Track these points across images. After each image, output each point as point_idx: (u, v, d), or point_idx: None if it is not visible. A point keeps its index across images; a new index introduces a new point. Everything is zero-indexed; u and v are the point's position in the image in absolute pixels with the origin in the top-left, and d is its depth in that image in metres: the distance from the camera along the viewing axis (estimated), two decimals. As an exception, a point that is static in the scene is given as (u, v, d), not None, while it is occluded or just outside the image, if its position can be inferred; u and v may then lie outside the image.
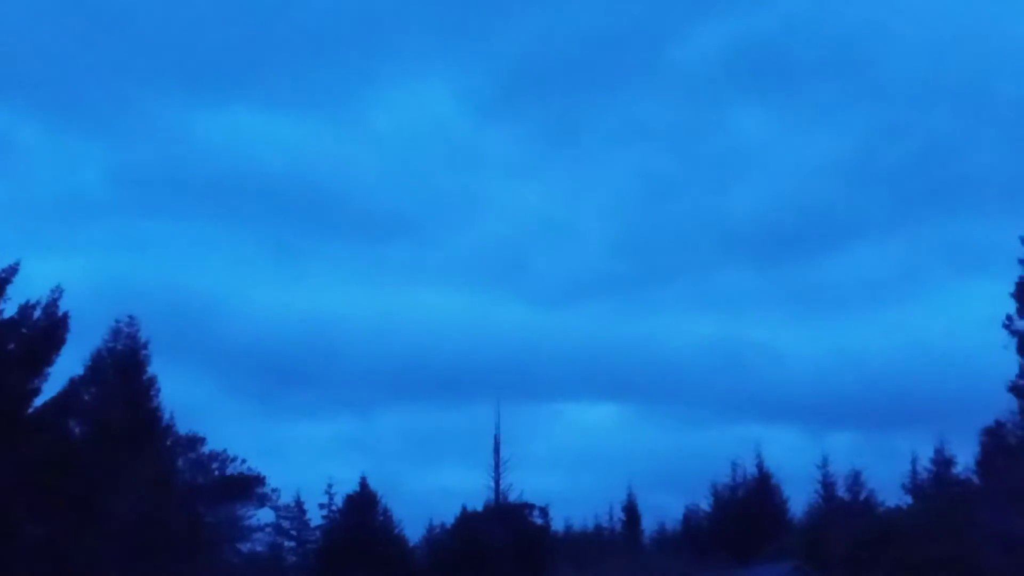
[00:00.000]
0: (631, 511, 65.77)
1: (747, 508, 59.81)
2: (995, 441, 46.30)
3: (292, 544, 65.61)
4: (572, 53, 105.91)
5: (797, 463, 73.90)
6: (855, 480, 57.90)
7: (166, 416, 44.27)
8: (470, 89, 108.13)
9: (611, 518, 66.68)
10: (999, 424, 46.17)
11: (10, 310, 37.48)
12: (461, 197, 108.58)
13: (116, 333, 43.40)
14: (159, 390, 43.66)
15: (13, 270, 37.49)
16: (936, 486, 52.10)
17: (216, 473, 51.23)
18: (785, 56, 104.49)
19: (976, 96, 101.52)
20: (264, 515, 58.61)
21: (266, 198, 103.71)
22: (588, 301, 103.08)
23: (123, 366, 42.84)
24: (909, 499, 54.03)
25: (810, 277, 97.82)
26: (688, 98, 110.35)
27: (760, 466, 61.50)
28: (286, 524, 64.71)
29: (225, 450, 51.77)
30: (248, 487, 52.98)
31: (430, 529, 66.88)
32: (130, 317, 43.82)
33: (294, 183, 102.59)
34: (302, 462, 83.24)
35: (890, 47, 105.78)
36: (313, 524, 65.36)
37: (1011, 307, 47.06)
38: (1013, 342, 46.45)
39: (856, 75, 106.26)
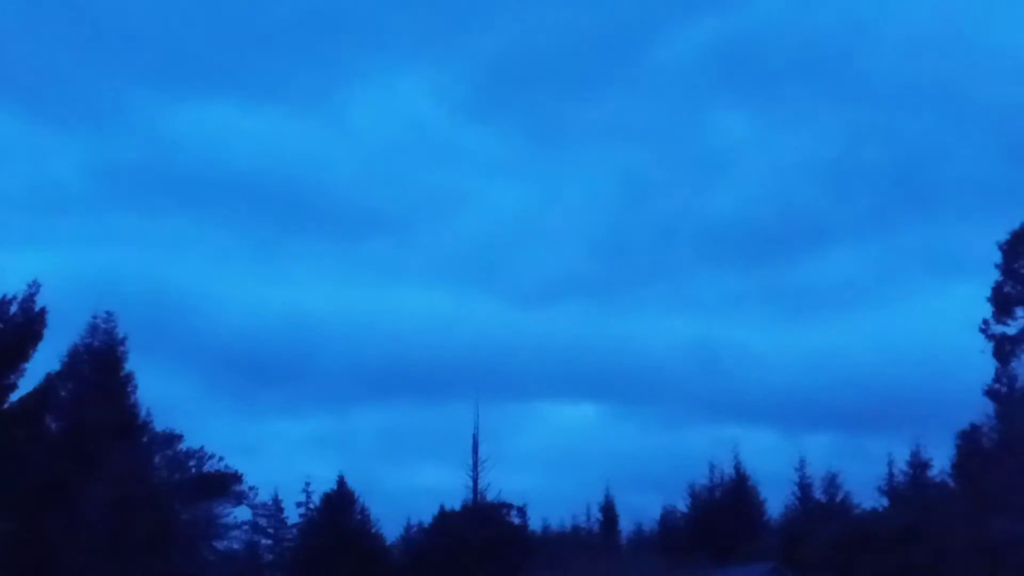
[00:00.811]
0: (608, 511, 65.82)
1: (724, 509, 59.97)
2: (971, 445, 46.58)
3: (269, 542, 65.38)
4: (552, 52, 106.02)
5: (774, 464, 73.97)
6: (831, 482, 58.26)
7: (143, 413, 44.12)
8: (450, 87, 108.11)
9: (588, 518, 66.78)
10: (975, 428, 46.46)
11: (-14, 304, 37.39)
12: (440, 195, 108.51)
13: (93, 329, 43.23)
14: (136, 386, 43.55)
15: (-11, 264, 37.35)
16: (912, 489, 52.35)
17: (193, 471, 50.90)
18: (765, 58, 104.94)
19: (956, 99, 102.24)
20: (241, 513, 58.36)
21: (244, 194, 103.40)
22: (567, 301, 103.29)
23: (100, 362, 42.63)
24: (885, 501, 54.30)
25: (789, 279, 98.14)
26: (668, 99, 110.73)
27: (738, 467, 61.72)
28: (263, 522, 64.47)
29: (202, 447, 51.48)
30: (225, 485, 52.69)
31: (407, 528, 66.83)
32: (108, 313, 43.69)
33: (272, 179, 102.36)
34: (280, 460, 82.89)
35: (870, 49, 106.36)
36: (290, 522, 65.19)
37: (988, 311, 47.46)
38: (990, 346, 46.83)
39: (836, 77, 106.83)
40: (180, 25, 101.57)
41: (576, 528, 67.08)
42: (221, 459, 52.24)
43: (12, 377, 37.82)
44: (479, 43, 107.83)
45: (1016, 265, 47.62)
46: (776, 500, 61.65)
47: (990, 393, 46.07)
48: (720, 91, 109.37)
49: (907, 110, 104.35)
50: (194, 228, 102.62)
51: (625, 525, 67.10)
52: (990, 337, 46.81)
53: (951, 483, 48.91)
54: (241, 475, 53.91)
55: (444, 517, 61.41)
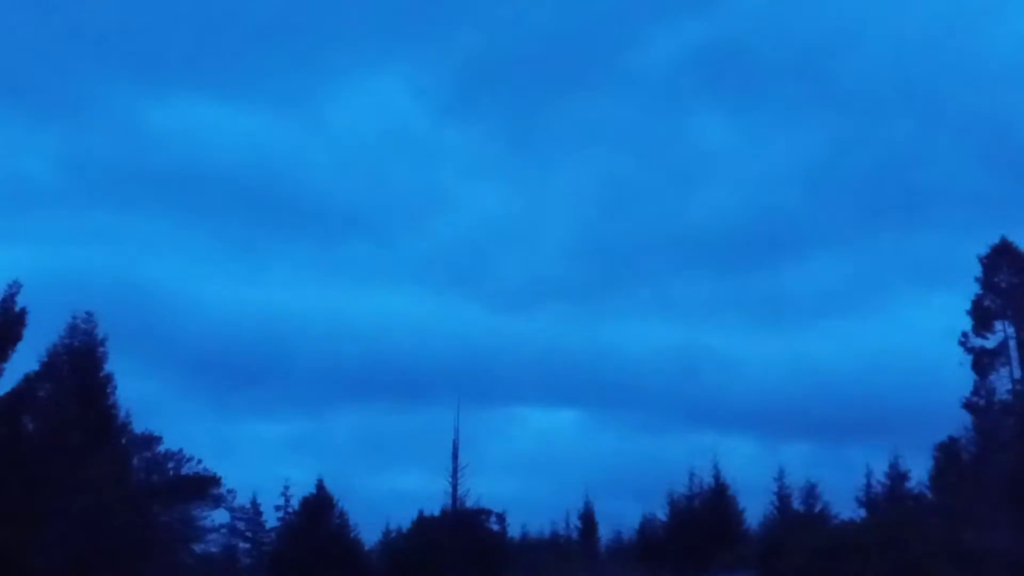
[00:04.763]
0: (587, 519, 65.74)
1: (703, 518, 59.96)
2: (948, 457, 46.82)
3: (247, 546, 65.04)
4: (533, 53, 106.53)
5: (753, 473, 74.02)
6: (810, 492, 58.32)
7: (122, 414, 43.94)
8: (430, 87, 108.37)
9: (567, 525, 66.64)
10: (952, 440, 46.70)
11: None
12: (419, 196, 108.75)
13: (73, 329, 43.00)
14: (115, 387, 43.37)
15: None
16: (890, 500, 52.52)
17: (171, 473, 50.75)
18: (748, 62, 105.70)
19: (939, 107, 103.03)
20: (219, 516, 58.09)
21: (221, 192, 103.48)
22: (546, 305, 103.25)
23: (79, 363, 42.41)
24: (863, 512, 54.43)
25: (769, 286, 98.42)
26: (650, 102, 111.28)
27: (717, 476, 61.70)
28: (241, 525, 64.09)
29: (181, 450, 51.35)
30: (203, 487, 52.50)
31: (386, 533, 66.57)
32: (88, 313, 43.52)
33: (249, 177, 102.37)
34: (258, 462, 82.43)
35: (854, 55, 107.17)
36: (268, 526, 64.86)
37: (968, 323, 47.77)
38: (968, 359, 47.15)
39: (819, 83, 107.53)
40: (158, 20, 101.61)
41: (555, 535, 66.96)
42: (199, 461, 52.15)
43: (-10, 378, 37.64)
44: (460, 43, 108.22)
45: (996, 279, 47.96)
46: (755, 509, 61.69)
47: (968, 406, 46.35)
48: (702, 95, 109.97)
49: (889, 117, 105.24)
50: (171, 226, 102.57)
51: (604, 533, 66.97)
52: (969, 350, 47.15)
53: (929, 495, 49.11)
54: (219, 478, 53.79)
55: (423, 523, 61.27)
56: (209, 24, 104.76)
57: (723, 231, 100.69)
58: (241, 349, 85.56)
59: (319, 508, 60.69)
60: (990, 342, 47.39)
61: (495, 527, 62.08)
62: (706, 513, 60.36)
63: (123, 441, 44.53)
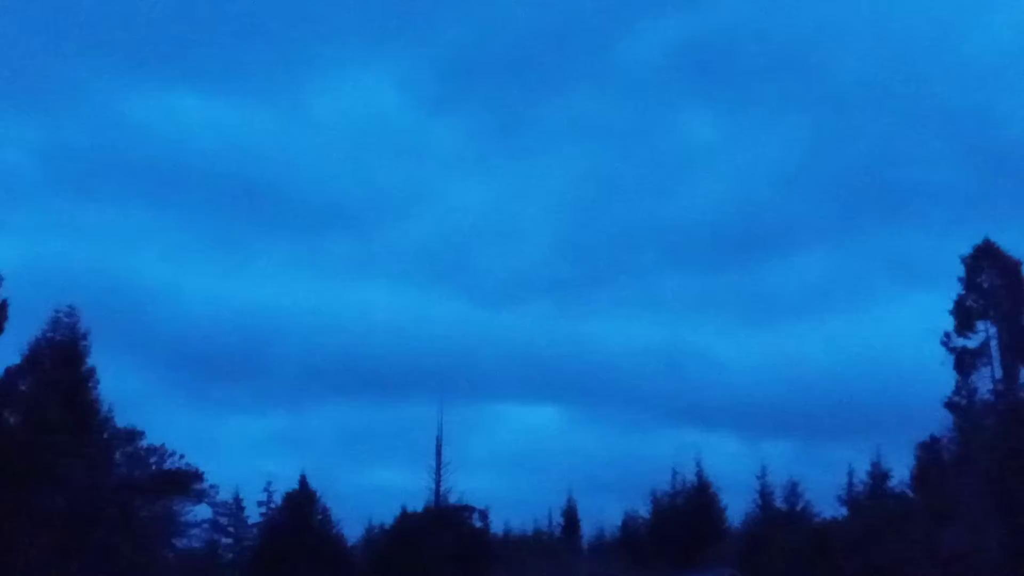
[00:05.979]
0: (570, 515, 65.86)
1: (686, 516, 60.15)
2: (930, 456, 46.97)
3: (229, 541, 64.86)
4: (519, 48, 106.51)
5: (735, 470, 74.29)
6: (792, 490, 58.53)
7: (104, 408, 43.68)
8: (415, 81, 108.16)
9: (550, 522, 66.79)
10: (934, 439, 46.85)
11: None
12: (403, 190, 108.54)
13: (55, 323, 42.75)
14: (98, 382, 43.12)
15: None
16: (871, 499, 52.68)
17: (154, 468, 50.50)
18: (733, 59, 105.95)
19: (923, 106, 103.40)
20: (201, 511, 57.86)
21: (204, 186, 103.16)
22: (530, 301, 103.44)
23: (62, 357, 42.15)
24: (845, 511, 54.60)
25: (753, 284, 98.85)
26: (634, 98, 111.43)
27: (699, 474, 61.91)
28: (223, 521, 63.91)
29: (163, 445, 51.08)
30: (186, 483, 52.23)
31: (369, 530, 66.51)
32: (70, 307, 43.23)
33: (233, 171, 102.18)
34: (240, 458, 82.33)
35: (839, 53, 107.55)
36: (251, 521, 64.68)
37: (950, 323, 47.89)
38: (950, 359, 47.26)
39: (804, 80, 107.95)
40: (142, 11, 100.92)
41: (538, 532, 67.05)
42: (182, 456, 51.83)
43: (-29, 371, 37.42)
44: (445, 36, 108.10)
45: (979, 279, 48.09)
46: (737, 507, 61.92)
47: (950, 405, 46.49)
48: (686, 92, 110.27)
49: (873, 115, 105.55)
50: (154, 220, 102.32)
51: (587, 530, 67.17)
52: (951, 350, 47.25)
53: (910, 494, 49.30)
54: (202, 473, 53.46)
55: (406, 519, 61.19)
56: (193, 17, 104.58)
57: (707, 228, 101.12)
58: (224, 344, 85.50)
59: (302, 504, 60.52)
60: (972, 342, 47.51)
61: (478, 524, 62.03)
62: (688, 510, 60.58)
63: (105, 436, 44.27)
